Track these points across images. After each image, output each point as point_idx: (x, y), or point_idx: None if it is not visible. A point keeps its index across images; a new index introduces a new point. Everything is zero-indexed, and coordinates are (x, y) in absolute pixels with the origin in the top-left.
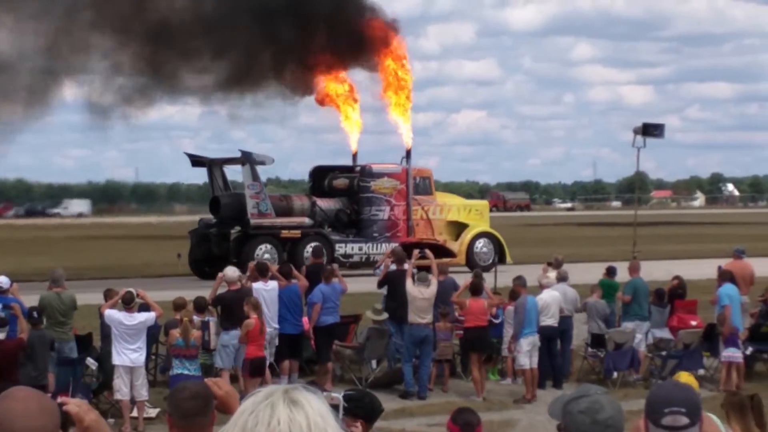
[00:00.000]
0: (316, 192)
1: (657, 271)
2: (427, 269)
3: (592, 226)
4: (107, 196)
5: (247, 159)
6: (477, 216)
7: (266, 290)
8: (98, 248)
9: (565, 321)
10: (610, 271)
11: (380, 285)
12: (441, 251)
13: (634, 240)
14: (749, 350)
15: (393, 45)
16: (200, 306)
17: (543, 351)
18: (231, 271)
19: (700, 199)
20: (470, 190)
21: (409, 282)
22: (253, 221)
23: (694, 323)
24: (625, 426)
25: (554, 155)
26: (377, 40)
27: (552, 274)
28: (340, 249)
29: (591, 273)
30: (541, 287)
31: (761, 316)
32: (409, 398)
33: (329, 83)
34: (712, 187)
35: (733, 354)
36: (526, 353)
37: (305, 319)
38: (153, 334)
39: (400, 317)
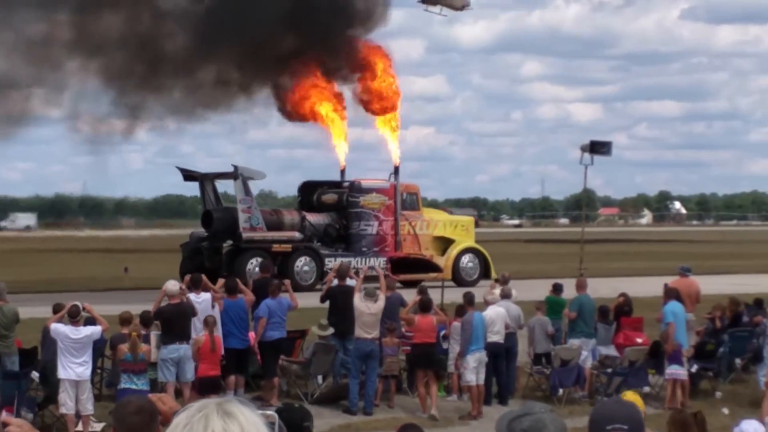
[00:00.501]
0: (304, 207)
1: (604, 288)
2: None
3: (539, 243)
4: (55, 210)
5: (239, 174)
6: (462, 231)
7: (198, 302)
8: (45, 261)
9: (510, 338)
10: (557, 288)
11: (323, 300)
12: (428, 266)
13: (581, 257)
14: (694, 368)
15: (382, 64)
16: (146, 320)
17: (489, 367)
18: (172, 285)
19: (647, 216)
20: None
21: (356, 297)
22: (245, 235)
23: (639, 340)
24: None
25: (502, 172)
26: (366, 58)
27: (497, 290)
28: (330, 263)
29: (538, 290)
30: (487, 303)
31: (707, 334)
32: (353, 414)
33: (319, 101)
34: (659, 204)
35: (676, 371)
36: (473, 369)
37: (251, 334)
38: (99, 348)
39: (341, 332)
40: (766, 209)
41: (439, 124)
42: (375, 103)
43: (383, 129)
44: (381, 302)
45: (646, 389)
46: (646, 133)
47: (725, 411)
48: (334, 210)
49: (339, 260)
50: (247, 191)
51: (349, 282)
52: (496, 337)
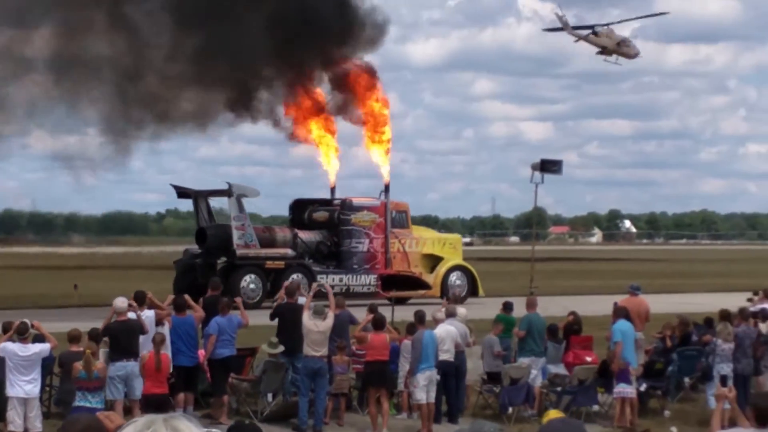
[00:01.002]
0: (295, 224)
1: (554, 307)
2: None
3: (490, 261)
4: (4, 226)
5: (233, 191)
6: (451, 249)
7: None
8: None
9: (459, 356)
10: (507, 307)
11: (272, 317)
12: (417, 283)
13: (532, 275)
14: (643, 386)
15: (373, 85)
16: (95, 337)
17: (439, 386)
18: (120, 302)
19: (597, 235)
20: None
21: (305, 315)
22: (239, 252)
23: (589, 359)
24: None
25: (453, 190)
26: (358, 80)
27: (446, 309)
28: (322, 280)
29: (489, 308)
30: (436, 322)
31: (656, 353)
32: None
33: (310, 119)
34: (610, 223)
35: (624, 389)
36: (423, 388)
37: (201, 352)
38: (48, 366)
39: (290, 350)
40: (715, 228)
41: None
42: (365, 124)
43: (373, 147)
44: (330, 320)
45: (595, 408)
46: (596, 152)
47: (674, 430)
48: (325, 227)
49: (372, 276)
50: (240, 208)
51: (301, 300)
52: (446, 355)
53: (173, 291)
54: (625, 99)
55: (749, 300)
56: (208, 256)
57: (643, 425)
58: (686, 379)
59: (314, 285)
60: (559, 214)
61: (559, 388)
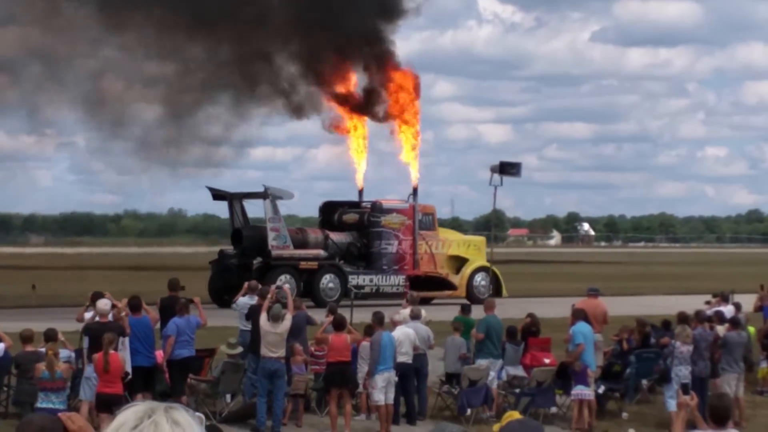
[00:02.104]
0: (325, 226)
1: (512, 309)
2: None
3: None
4: None
5: (268, 193)
6: (475, 251)
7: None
8: None
9: (420, 358)
10: (465, 309)
11: (247, 318)
12: (444, 284)
13: (490, 277)
14: (601, 389)
15: (409, 85)
16: (50, 337)
17: (397, 387)
18: (103, 304)
19: (556, 237)
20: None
21: (263, 317)
22: (274, 253)
23: (547, 361)
24: None
25: (395, 191)
26: (395, 79)
27: (406, 310)
28: (353, 280)
29: (448, 310)
30: (394, 324)
31: (614, 356)
32: None
33: (350, 118)
34: (568, 226)
35: (582, 391)
36: (381, 389)
37: (159, 352)
38: (5, 366)
39: (257, 350)
40: (673, 231)
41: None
42: (398, 117)
43: (404, 149)
44: (287, 322)
45: (554, 409)
46: (555, 155)
47: (632, 431)
48: (354, 229)
49: (401, 276)
50: (275, 210)
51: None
52: (404, 357)
53: (208, 291)
54: (584, 102)
55: (707, 303)
56: (244, 256)
57: (601, 427)
58: (644, 382)
59: (272, 287)
60: (518, 216)
61: (517, 390)
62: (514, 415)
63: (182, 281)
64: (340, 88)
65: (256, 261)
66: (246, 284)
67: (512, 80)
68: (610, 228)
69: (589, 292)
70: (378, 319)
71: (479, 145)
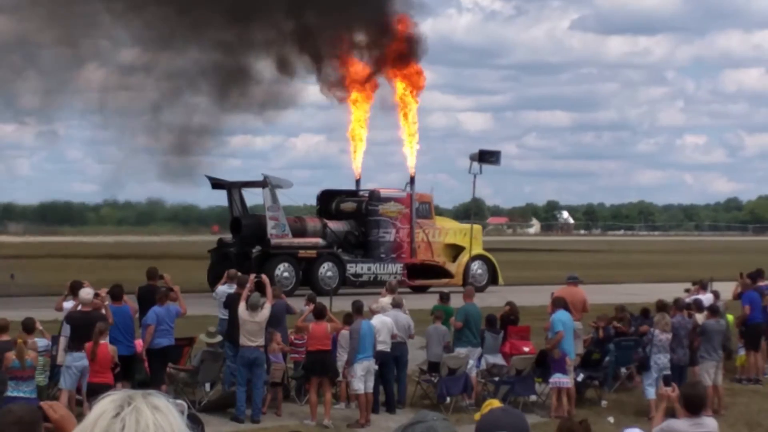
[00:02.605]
0: (323, 214)
1: (491, 297)
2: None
3: None
4: None
5: (268, 182)
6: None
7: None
8: None
9: (400, 347)
10: (444, 297)
11: (225, 306)
12: (441, 272)
13: (468, 265)
14: (580, 377)
15: (414, 71)
16: (28, 327)
17: (376, 376)
18: (85, 293)
19: (535, 226)
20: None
21: (241, 306)
22: (273, 241)
23: (526, 349)
24: None
25: (392, 180)
26: (400, 61)
27: (385, 299)
28: (351, 269)
29: (426, 298)
30: (372, 312)
31: (593, 344)
32: (241, 422)
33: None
34: (548, 214)
35: (560, 380)
36: (360, 378)
37: (138, 341)
38: None
39: (235, 339)
40: (652, 220)
41: (329, 131)
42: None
43: (405, 137)
44: (266, 311)
45: (533, 398)
46: (535, 143)
47: (611, 419)
48: (352, 218)
49: (399, 265)
50: (274, 199)
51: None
52: (382, 346)
53: (208, 279)
54: (564, 90)
55: (686, 291)
56: (243, 245)
57: (580, 415)
58: (623, 370)
59: (251, 277)
60: (497, 204)
61: (496, 378)
62: (494, 403)
63: (162, 270)
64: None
65: (255, 250)
66: (226, 273)
67: (492, 68)
68: (590, 216)
69: (569, 279)
70: (357, 307)
71: (459, 134)
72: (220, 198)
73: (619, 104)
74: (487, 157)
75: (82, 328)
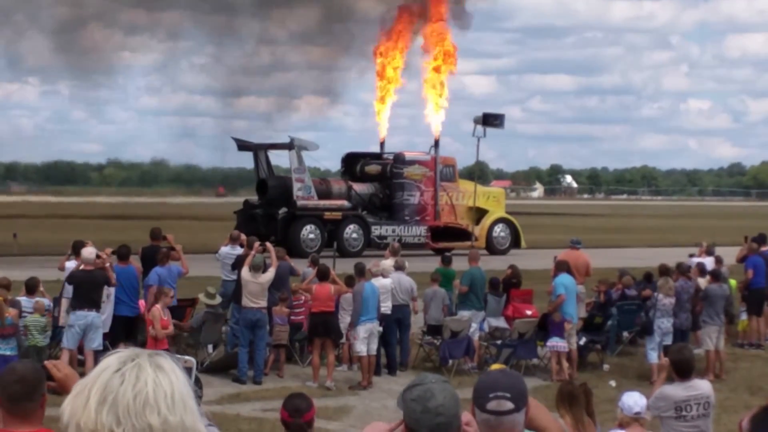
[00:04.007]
0: (347, 177)
1: (494, 261)
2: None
3: None
4: None
5: (293, 144)
6: (494, 202)
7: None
8: None
9: (402, 309)
10: (445, 260)
11: (233, 268)
12: (464, 235)
13: (472, 229)
14: (583, 341)
15: (446, 37)
16: (31, 287)
17: (380, 338)
18: (87, 252)
19: (538, 189)
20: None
21: (245, 268)
22: (299, 203)
23: (529, 312)
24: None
25: (396, 143)
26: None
27: (387, 261)
28: (376, 231)
29: (428, 261)
30: (373, 275)
31: (595, 308)
32: (243, 383)
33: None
34: (551, 178)
35: (557, 343)
36: (363, 340)
37: (141, 302)
38: None
39: (239, 301)
40: (655, 184)
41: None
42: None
43: (431, 101)
44: (270, 273)
45: (535, 361)
46: (539, 107)
47: (612, 383)
48: (377, 180)
49: (423, 227)
50: (300, 161)
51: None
52: (383, 308)
53: None
54: (568, 54)
55: (691, 255)
56: (269, 206)
57: (581, 379)
58: (625, 334)
59: (256, 245)
60: (500, 168)
61: (499, 342)
62: (498, 367)
63: (165, 230)
64: None
65: (281, 211)
66: (229, 234)
67: (497, 32)
68: (593, 180)
69: (571, 243)
70: (359, 269)
71: (463, 97)
72: (225, 160)
73: (624, 68)
74: (491, 120)
75: (84, 287)
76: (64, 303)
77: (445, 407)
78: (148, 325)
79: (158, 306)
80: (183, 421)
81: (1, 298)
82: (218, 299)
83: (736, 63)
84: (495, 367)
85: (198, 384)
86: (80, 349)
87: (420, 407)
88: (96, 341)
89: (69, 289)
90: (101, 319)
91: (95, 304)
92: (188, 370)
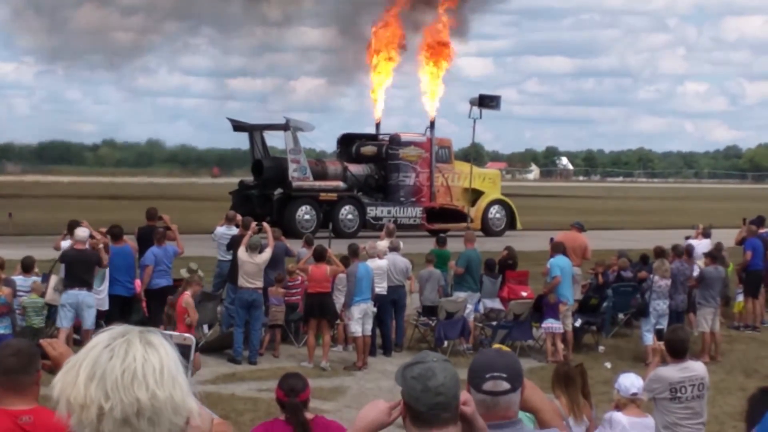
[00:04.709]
0: (342, 158)
1: (489, 242)
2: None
3: None
4: None
5: (289, 125)
6: (490, 184)
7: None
8: None
9: (398, 290)
10: (440, 241)
11: (228, 248)
12: (460, 216)
13: (468, 210)
14: (578, 322)
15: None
16: (27, 266)
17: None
18: (81, 231)
19: (534, 172)
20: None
21: (242, 248)
22: (294, 184)
23: (524, 294)
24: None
25: (392, 125)
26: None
27: (382, 243)
28: (371, 212)
29: (423, 243)
30: (368, 256)
31: (591, 289)
32: (238, 363)
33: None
34: (547, 160)
35: (552, 324)
36: (358, 321)
37: (137, 282)
38: None
39: (236, 281)
40: (651, 166)
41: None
42: (434, 51)
43: (429, 77)
44: (266, 254)
45: (530, 342)
46: (535, 89)
47: (608, 365)
48: (372, 161)
49: (418, 208)
50: (296, 142)
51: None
52: (378, 289)
53: None
54: (565, 36)
55: (687, 238)
56: (264, 187)
57: (577, 360)
58: (621, 315)
59: (253, 225)
60: (496, 150)
61: (494, 323)
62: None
63: (161, 211)
64: None
65: (277, 192)
66: (225, 215)
67: (493, 13)
68: (589, 162)
69: (574, 225)
70: (353, 250)
71: (459, 78)
72: (221, 141)
73: (621, 51)
74: (487, 101)
75: (76, 266)
76: (53, 280)
77: (445, 387)
78: (182, 314)
79: (188, 293)
80: (172, 396)
81: None
82: (199, 274)
83: (734, 46)
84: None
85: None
86: (76, 328)
87: (420, 386)
88: (89, 320)
89: (61, 268)
90: (93, 298)
91: (86, 284)
92: (187, 348)
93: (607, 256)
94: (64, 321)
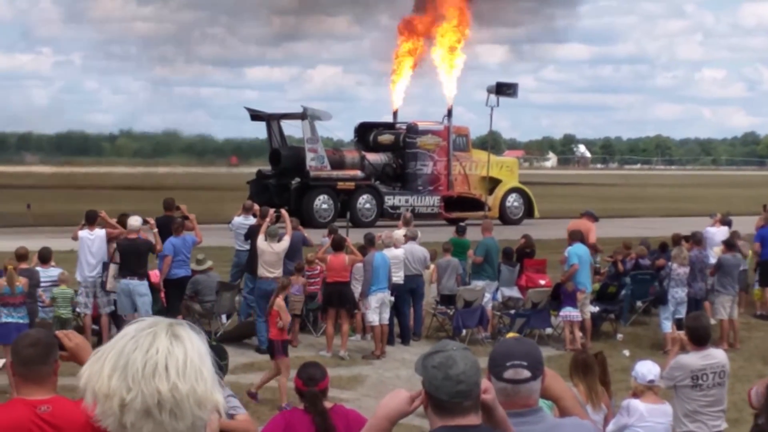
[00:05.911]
0: (360, 147)
1: (507, 230)
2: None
3: None
4: None
5: (306, 114)
6: (508, 172)
7: (90, 238)
8: None
9: (415, 279)
10: (460, 230)
11: (246, 238)
12: (477, 205)
13: (486, 199)
14: (596, 310)
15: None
16: (44, 257)
17: (391, 308)
18: (133, 220)
19: (552, 159)
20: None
21: (260, 237)
22: (312, 173)
23: (542, 282)
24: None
25: (409, 113)
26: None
27: (399, 232)
28: (389, 201)
29: (442, 232)
30: (385, 246)
31: (609, 277)
32: (264, 353)
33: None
34: (565, 148)
35: (570, 313)
36: (375, 310)
37: (155, 272)
38: None
39: (254, 270)
40: (669, 154)
41: (346, 63)
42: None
43: (446, 70)
44: (285, 243)
45: (549, 330)
46: (553, 76)
47: (626, 353)
48: (390, 150)
49: (436, 197)
50: (313, 131)
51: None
52: (395, 278)
53: None
54: (583, 23)
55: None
56: (282, 177)
57: (595, 348)
58: (639, 303)
59: (271, 212)
60: (514, 138)
61: (512, 311)
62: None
63: (179, 201)
64: None
65: (294, 181)
66: (242, 204)
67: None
68: (607, 150)
69: (585, 214)
70: (369, 239)
71: (476, 66)
72: (238, 130)
73: (638, 37)
74: (504, 89)
75: (127, 256)
76: (112, 268)
77: (466, 375)
78: (275, 317)
79: (281, 297)
80: (195, 389)
81: (11, 267)
82: (207, 263)
83: (751, 32)
84: (510, 335)
85: (222, 355)
86: (95, 320)
87: (441, 374)
88: (142, 309)
89: (117, 256)
90: (145, 286)
91: (137, 273)
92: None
93: (625, 244)
94: (126, 308)
